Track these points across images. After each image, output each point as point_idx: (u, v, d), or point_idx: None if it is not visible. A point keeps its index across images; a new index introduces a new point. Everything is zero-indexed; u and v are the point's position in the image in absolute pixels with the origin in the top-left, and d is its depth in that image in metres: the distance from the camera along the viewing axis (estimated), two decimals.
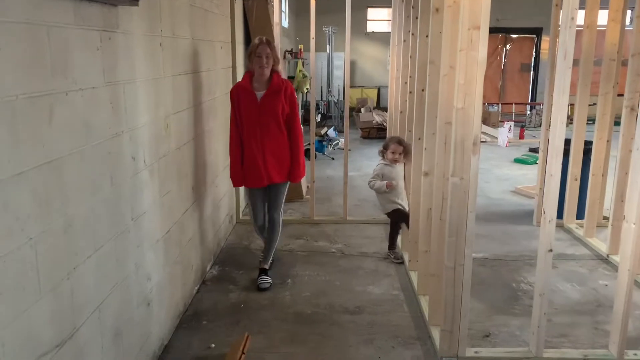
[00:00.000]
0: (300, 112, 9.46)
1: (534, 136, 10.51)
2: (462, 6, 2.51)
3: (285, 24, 11.40)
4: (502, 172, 7.48)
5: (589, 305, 3.49)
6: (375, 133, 10.35)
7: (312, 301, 3.51)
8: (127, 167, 2.39)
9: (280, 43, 5.06)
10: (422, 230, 3.39)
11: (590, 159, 4.71)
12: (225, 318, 3.28)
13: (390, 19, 5.16)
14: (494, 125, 11.59)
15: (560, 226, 4.94)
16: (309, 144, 5.34)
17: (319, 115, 11.73)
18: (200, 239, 3.73)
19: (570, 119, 5.51)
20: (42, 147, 1.71)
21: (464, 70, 2.54)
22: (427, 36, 3.23)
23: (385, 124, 9.14)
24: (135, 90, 2.48)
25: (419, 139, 3.54)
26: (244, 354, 2.67)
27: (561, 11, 2.51)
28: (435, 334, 2.97)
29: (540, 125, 5.59)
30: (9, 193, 1.54)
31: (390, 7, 4.98)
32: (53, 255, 1.78)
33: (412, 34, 3.77)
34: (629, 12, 4.49)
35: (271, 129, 3.53)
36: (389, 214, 4.28)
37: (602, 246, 4.39)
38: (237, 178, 3.66)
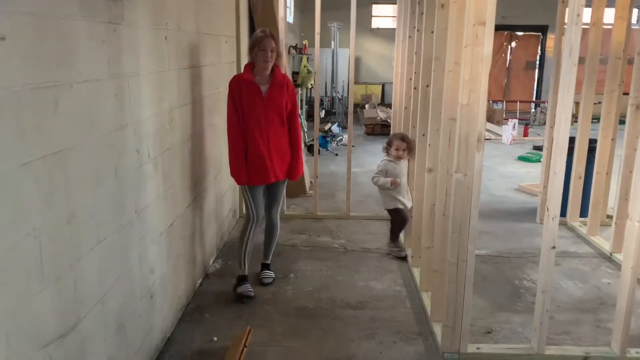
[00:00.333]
0: (304, 107, 9.49)
1: (539, 134, 10.48)
2: (467, 2, 2.50)
3: (290, 19, 11.38)
4: (506, 170, 7.47)
5: (592, 303, 3.49)
6: (380, 129, 10.33)
7: (314, 296, 3.52)
8: (131, 159, 2.40)
9: (285, 38, 5.05)
10: (425, 227, 3.38)
11: (594, 157, 4.70)
12: (228, 311, 3.29)
13: (396, 15, 5.14)
14: (499, 123, 11.56)
15: (563, 224, 4.93)
16: (313, 139, 5.34)
17: (323, 111, 11.71)
18: (203, 233, 3.74)
19: (575, 118, 5.50)
20: (47, 138, 1.71)
21: (469, 66, 2.53)
22: (432, 32, 3.22)
23: (389, 121, 9.13)
24: (140, 83, 2.49)
25: (423, 135, 3.54)
26: (245, 347, 2.68)
27: (567, 8, 2.49)
28: (437, 329, 2.97)
29: (545, 123, 5.58)
30: (13, 183, 1.55)
31: (395, 4, 4.97)
32: (56, 247, 1.79)
33: (417, 30, 3.76)
34: (635, 11, 4.46)
35: (275, 124, 3.42)
36: (390, 211, 4.28)
37: (605, 244, 4.38)
38: (242, 175, 3.41)
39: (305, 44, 10.34)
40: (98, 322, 2.11)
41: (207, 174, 3.82)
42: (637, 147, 2.78)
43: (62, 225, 1.82)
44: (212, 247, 4.01)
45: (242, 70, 4.75)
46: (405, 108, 4.34)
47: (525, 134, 10.25)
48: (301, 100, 9.16)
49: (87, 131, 1.98)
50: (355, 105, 11.74)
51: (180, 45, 3.15)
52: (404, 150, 4.10)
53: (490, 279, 3.82)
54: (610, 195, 4.73)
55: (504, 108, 12.96)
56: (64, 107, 1.80)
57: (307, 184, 5.96)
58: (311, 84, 9.38)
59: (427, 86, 3.36)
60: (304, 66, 9.23)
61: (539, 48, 14.85)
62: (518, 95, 14.66)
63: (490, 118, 12.00)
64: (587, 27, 4.46)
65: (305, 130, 8.61)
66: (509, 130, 9.75)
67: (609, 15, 4.26)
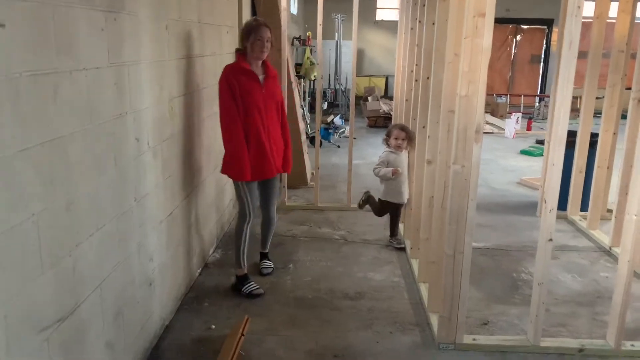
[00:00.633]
0: (307, 99, 9.48)
1: (542, 128, 10.45)
2: None
3: (294, 10, 11.35)
4: (507, 164, 7.46)
5: (589, 297, 3.50)
6: (382, 122, 10.33)
7: (313, 286, 3.54)
8: (130, 148, 2.42)
9: (288, 29, 5.04)
10: (424, 218, 3.40)
11: (596, 151, 4.69)
12: (227, 301, 3.32)
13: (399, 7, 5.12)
14: (502, 117, 11.53)
15: (563, 218, 4.94)
16: (314, 131, 5.35)
17: (326, 103, 11.71)
18: (203, 222, 3.76)
19: (577, 112, 5.49)
20: (46, 125, 1.73)
21: (469, 57, 2.53)
22: (433, 24, 3.22)
23: (392, 113, 9.11)
24: (140, 72, 2.50)
25: (424, 127, 3.55)
26: (243, 335, 2.70)
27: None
28: (434, 320, 2.99)
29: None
30: (13, 169, 1.56)
31: None
32: (55, 232, 1.81)
33: (419, 22, 3.76)
34: (639, 5, 4.43)
35: (273, 115, 3.34)
36: (384, 202, 4.28)
37: (605, 238, 4.38)
38: (246, 171, 3.23)
39: (308, 36, 10.32)
40: (96, 308, 2.13)
41: (207, 163, 3.83)
42: (637, 140, 2.77)
43: (61, 212, 1.84)
44: (212, 236, 4.04)
45: None
46: (407, 100, 4.34)
47: (529, 128, 10.22)
48: (304, 92, 9.15)
49: (86, 119, 1.99)
50: (359, 98, 11.71)
51: (181, 34, 3.15)
52: (403, 139, 4.09)
53: (489, 272, 3.84)
54: (611, 190, 4.73)
55: (508, 102, 12.92)
56: (64, 95, 1.82)
57: (309, 176, 5.98)
58: (314, 76, 9.37)
59: (428, 78, 3.36)
60: (307, 58, 9.20)
61: (544, 42, 14.77)
62: (522, 89, 14.60)
63: (493, 112, 11.98)
64: (591, 20, 4.44)
65: (308, 122, 8.61)
66: (512, 124, 9.73)
67: (613, 9, 4.24)
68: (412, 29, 4.11)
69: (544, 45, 14.81)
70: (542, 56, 14.93)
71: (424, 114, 3.53)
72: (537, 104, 13.03)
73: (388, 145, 4.21)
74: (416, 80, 3.87)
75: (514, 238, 4.52)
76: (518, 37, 14.81)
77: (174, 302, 3.16)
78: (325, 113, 9.95)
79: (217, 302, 3.30)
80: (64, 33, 1.82)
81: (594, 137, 4.79)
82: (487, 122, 10.82)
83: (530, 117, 11.07)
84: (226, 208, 4.53)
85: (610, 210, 4.70)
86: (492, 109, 12.06)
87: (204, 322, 3.06)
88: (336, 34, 11.88)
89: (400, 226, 4.39)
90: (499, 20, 2.99)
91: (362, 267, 3.85)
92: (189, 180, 3.41)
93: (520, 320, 3.15)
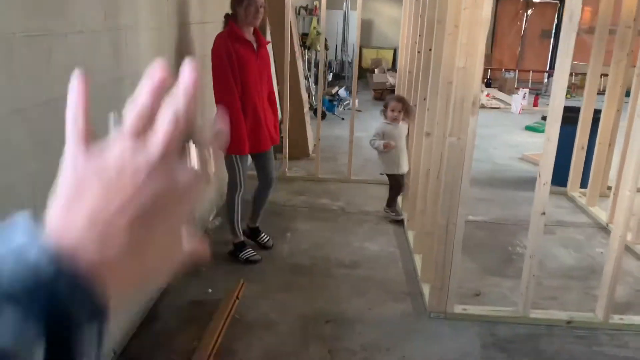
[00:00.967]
0: (312, 70, 9.42)
1: (548, 104, 10.34)
2: None
3: None
4: (511, 139, 7.43)
5: (583, 271, 3.54)
6: (388, 94, 10.26)
7: (310, 254, 3.59)
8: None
9: None
10: (421, 191, 3.42)
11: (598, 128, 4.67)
12: (224, 267, 3.37)
13: None
14: (509, 92, 11.42)
15: (563, 194, 4.94)
16: (317, 103, 5.34)
17: (331, 74, 11.62)
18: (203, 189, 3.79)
19: (582, 89, 5.43)
20: (40, 86, 1.75)
21: (467, 29, 2.52)
22: None
23: None
24: (138, 37, 2.50)
25: (424, 99, 3.54)
26: (238, 299, 2.76)
27: None
28: (426, 290, 3.04)
29: None
30: (6, 128, 1.59)
31: None
32: (50, 192, 1.84)
33: None
34: None
35: (264, 85, 3.28)
36: (388, 176, 4.29)
37: (602, 215, 4.39)
38: (244, 144, 3.17)
39: (315, 5, 10.20)
40: None
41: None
42: (635, 115, 2.76)
43: (56, 173, 1.87)
44: (211, 204, 4.08)
45: None
46: (410, 72, 4.32)
47: (535, 104, 10.12)
48: (309, 63, 9.09)
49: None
50: (365, 70, 11.62)
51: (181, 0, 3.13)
52: (399, 111, 4.05)
53: (484, 245, 3.87)
54: (613, 167, 4.72)
55: (516, 77, 12.77)
56: (58, 57, 1.83)
57: (310, 147, 5.98)
58: (319, 47, 9.29)
59: (430, 50, 3.34)
60: (314, 28, 9.12)
61: (556, 16, 14.51)
62: (532, 65, 14.39)
63: (501, 87, 11.86)
64: None
65: (313, 93, 8.58)
66: (519, 99, 9.65)
67: None
68: None
69: (555, 20, 14.55)
70: (553, 31, 14.68)
71: (424, 86, 3.52)
72: (545, 80, 12.88)
73: (385, 116, 4.19)
74: (419, 52, 3.84)
75: (511, 212, 4.54)
76: (529, 12, 14.56)
77: None
78: (330, 85, 9.90)
79: (215, 267, 3.35)
80: None
81: (597, 113, 4.76)
82: (494, 97, 10.74)
83: (537, 93, 10.97)
84: (226, 175, 4.55)
85: (610, 188, 4.70)
86: (499, 84, 11.94)
87: (201, 286, 3.12)
88: (344, 3, 11.73)
89: (399, 199, 4.41)
90: None
91: (359, 237, 3.90)
92: None
93: (512, 292, 3.19)
